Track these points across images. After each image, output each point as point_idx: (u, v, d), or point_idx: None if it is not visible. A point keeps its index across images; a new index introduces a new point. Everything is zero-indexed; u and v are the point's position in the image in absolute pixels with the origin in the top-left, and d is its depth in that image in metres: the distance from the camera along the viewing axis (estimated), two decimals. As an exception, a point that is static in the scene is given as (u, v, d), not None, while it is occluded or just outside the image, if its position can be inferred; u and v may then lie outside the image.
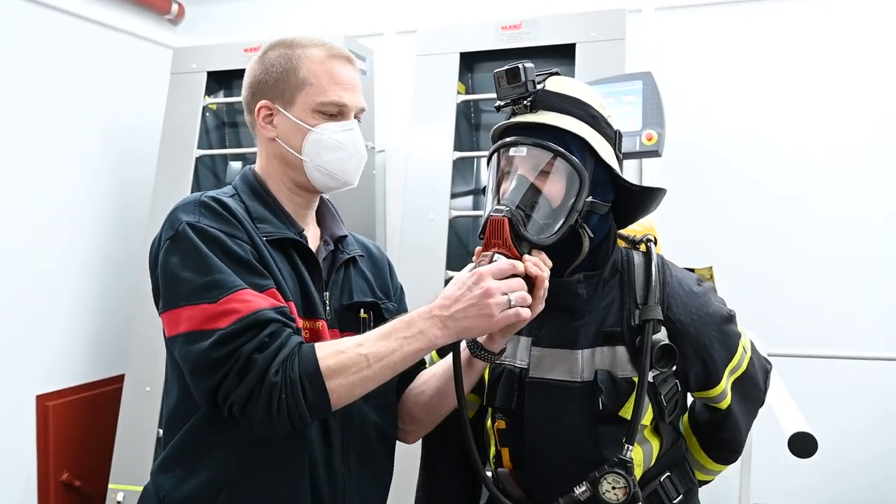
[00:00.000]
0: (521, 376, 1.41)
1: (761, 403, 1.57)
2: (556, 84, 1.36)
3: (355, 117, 1.44)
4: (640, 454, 1.39)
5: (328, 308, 1.42)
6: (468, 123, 3.21)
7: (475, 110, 3.22)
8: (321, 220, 1.53)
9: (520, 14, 3.05)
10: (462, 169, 3.13)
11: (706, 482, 1.66)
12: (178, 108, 3.34)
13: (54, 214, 3.24)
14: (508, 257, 1.24)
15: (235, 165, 3.54)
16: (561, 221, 1.30)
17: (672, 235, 2.15)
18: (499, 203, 1.30)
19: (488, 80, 3.16)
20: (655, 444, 1.41)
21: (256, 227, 1.34)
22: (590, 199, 1.32)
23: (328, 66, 1.40)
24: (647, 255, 1.43)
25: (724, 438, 1.55)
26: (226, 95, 3.46)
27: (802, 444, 1.93)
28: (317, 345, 1.24)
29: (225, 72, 3.36)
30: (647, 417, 1.38)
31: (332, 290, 1.44)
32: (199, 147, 3.29)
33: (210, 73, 3.35)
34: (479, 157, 3.23)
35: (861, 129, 3.09)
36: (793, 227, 3.15)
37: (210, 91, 3.37)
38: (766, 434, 2.07)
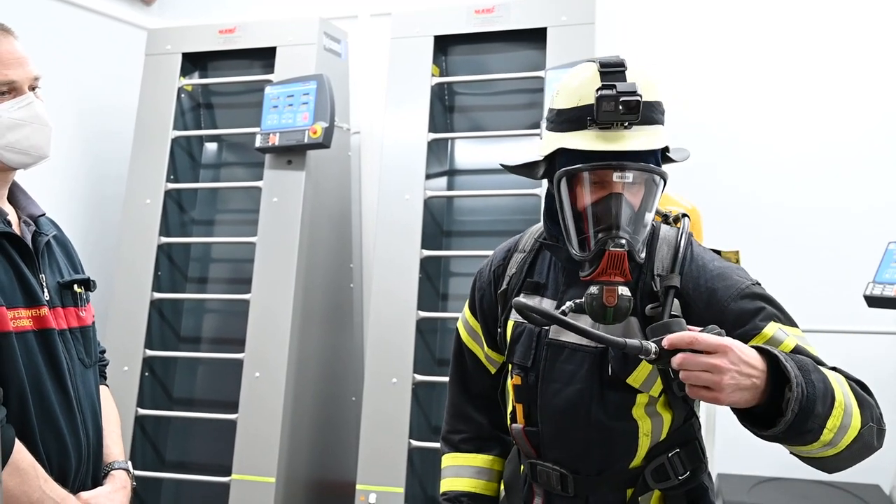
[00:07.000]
0: (539, 336, 1.47)
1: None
2: (647, 89, 1.32)
3: (31, 89, 1.42)
4: (649, 424, 1.42)
5: (46, 289, 1.43)
6: (442, 105, 3.25)
7: (449, 92, 3.26)
8: (14, 199, 1.52)
9: (493, -2, 3.10)
10: (436, 150, 3.18)
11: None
12: (153, 89, 3.35)
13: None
14: (625, 285, 1.30)
15: (211, 147, 3.56)
16: (647, 227, 1.36)
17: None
18: (608, 230, 1.30)
19: (462, 63, 3.20)
20: (667, 418, 1.43)
21: None
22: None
23: None
24: (679, 228, 1.46)
25: None
26: (201, 77, 3.47)
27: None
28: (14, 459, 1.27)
29: (200, 53, 3.38)
30: (657, 389, 1.39)
31: (45, 271, 1.46)
32: (175, 128, 3.31)
33: (185, 55, 3.36)
34: (452, 139, 3.29)
35: (832, 122, 3.18)
36: (755, 214, 3.22)
37: (185, 72, 3.38)
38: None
